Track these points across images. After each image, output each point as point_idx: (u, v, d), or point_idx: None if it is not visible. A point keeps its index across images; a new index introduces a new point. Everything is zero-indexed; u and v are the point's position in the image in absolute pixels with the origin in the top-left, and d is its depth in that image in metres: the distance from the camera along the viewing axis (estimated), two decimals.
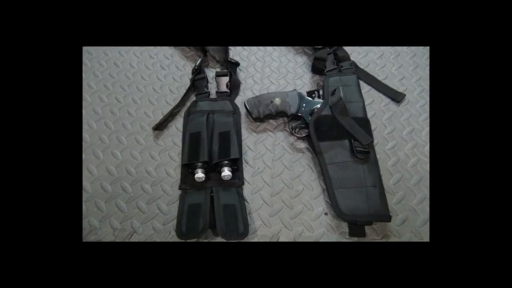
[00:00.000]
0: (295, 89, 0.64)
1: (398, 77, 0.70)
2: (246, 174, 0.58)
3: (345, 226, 0.52)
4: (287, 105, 0.61)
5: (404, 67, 0.72)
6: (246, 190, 0.56)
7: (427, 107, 0.65)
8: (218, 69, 0.72)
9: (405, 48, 0.75)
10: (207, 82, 0.69)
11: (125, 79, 0.71)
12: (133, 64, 0.73)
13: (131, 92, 0.69)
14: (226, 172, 0.54)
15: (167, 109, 0.65)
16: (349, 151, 0.56)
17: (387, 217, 0.50)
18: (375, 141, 0.60)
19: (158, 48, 0.76)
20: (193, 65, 0.71)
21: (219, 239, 0.51)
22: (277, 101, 0.61)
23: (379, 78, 0.69)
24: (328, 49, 0.70)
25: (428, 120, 0.63)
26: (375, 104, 0.66)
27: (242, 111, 0.65)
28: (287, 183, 0.57)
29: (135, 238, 0.52)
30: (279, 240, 0.51)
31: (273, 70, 0.72)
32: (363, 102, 0.63)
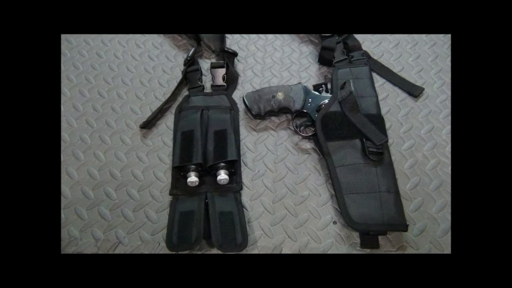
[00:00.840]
0: (300, 83, 0.64)
1: (415, 69, 0.70)
2: (245, 178, 0.58)
3: (356, 237, 0.52)
4: (291, 100, 0.61)
5: (422, 57, 0.71)
6: (245, 196, 0.56)
7: (448, 103, 0.65)
8: (213, 60, 0.72)
9: (423, 36, 0.74)
10: (201, 74, 0.69)
11: (109, 71, 0.71)
12: (118, 54, 0.73)
13: (115, 85, 0.69)
14: (223, 176, 0.54)
15: (156, 104, 0.65)
16: (360, 152, 0.56)
17: (403, 226, 0.50)
18: (390, 141, 0.60)
19: (146, 36, 0.76)
20: (185, 56, 0.71)
21: (215, 251, 0.51)
22: (280, 95, 0.61)
23: (395, 70, 0.69)
24: (337, 38, 0.70)
25: (449, 117, 0.63)
26: (390, 99, 0.66)
27: (241, 107, 0.65)
28: (290, 188, 0.57)
29: (120, 250, 0.52)
30: (282, 252, 0.51)
31: (275, 61, 0.72)
32: (377, 97, 0.62)
